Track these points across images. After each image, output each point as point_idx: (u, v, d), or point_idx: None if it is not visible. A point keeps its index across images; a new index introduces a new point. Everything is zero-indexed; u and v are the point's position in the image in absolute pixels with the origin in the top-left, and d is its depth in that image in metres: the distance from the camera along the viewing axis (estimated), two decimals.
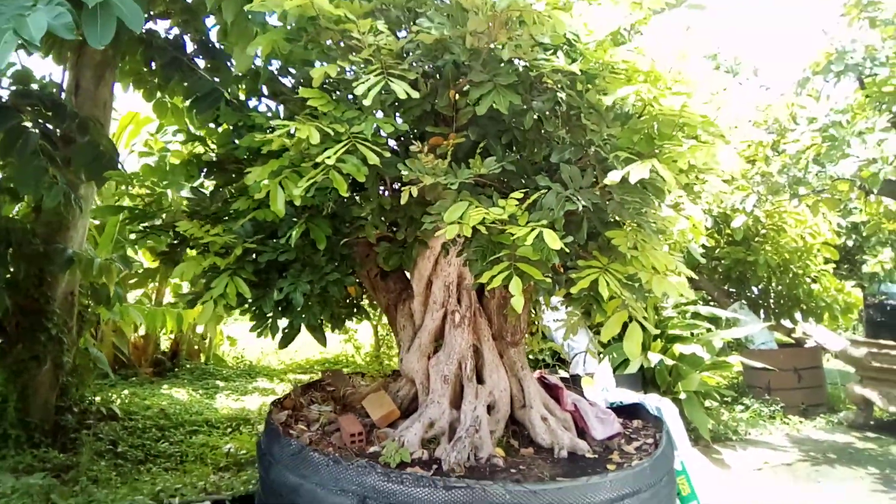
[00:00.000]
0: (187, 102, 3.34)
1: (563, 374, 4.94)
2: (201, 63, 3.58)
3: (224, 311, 2.43)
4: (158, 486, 3.36)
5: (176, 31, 3.66)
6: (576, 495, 2.04)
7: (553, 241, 1.69)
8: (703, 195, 5.79)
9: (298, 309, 2.42)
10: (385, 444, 2.40)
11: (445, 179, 1.92)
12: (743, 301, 6.35)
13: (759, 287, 6.65)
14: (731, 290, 6.57)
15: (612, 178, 1.71)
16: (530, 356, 5.13)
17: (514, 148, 2.16)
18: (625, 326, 2.00)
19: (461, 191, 1.99)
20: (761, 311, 6.80)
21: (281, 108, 2.97)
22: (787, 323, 6.88)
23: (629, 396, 3.19)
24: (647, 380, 4.63)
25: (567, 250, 1.79)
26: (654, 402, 3.13)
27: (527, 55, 1.90)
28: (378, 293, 2.96)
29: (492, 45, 1.91)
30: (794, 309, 6.53)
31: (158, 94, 4.01)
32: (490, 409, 2.68)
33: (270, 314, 2.53)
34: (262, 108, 3.22)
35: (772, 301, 6.66)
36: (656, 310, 5.17)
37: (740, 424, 4.89)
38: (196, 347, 7.52)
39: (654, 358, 4.40)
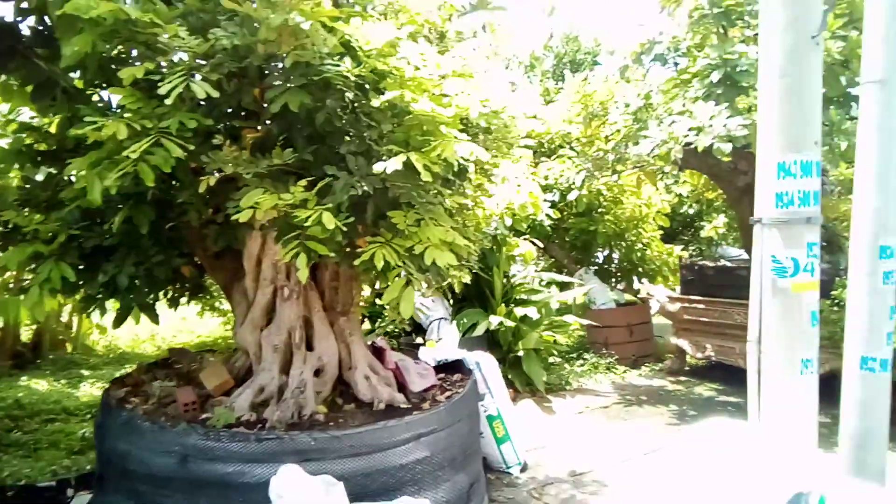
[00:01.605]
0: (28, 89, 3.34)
1: (419, 340, 5.37)
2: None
3: (51, 295, 2.56)
4: (5, 472, 3.42)
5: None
6: (374, 437, 2.41)
7: (329, 221, 2.01)
8: (552, 174, 6.33)
9: (125, 289, 2.60)
10: (215, 410, 2.65)
11: (245, 169, 2.18)
12: (589, 267, 7.05)
13: (604, 254, 7.41)
14: (578, 257, 7.25)
15: (377, 168, 2.05)
16: (391, 326, 5.51)
17: (314, 141, 2.44)
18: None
19: (264, 179, 2.26)
20: (609, 276, 7.59)
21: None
22: (638, 285, 7.75)
23: (454, 354, 3.61)
24: (492, 341, 5.14)
25: (344, 229, 2.12)
26: (475, 357, 3.56)
27: (314, 61, 2.18)
28: (214, 273, 3.18)
29: (283, 53, 2.17)
30: (632, 272, 7.34)
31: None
32: (319, 372, 2.99)
33: (99, 296, 2.69)
34: (98, 98, 3.29)
35: (614, 266, 7.45)
36: (507, 277, 5.71)
37: (575, 376, 5.53)
38: (61, 337, 7.29)
39: (495, 320, 4.90)
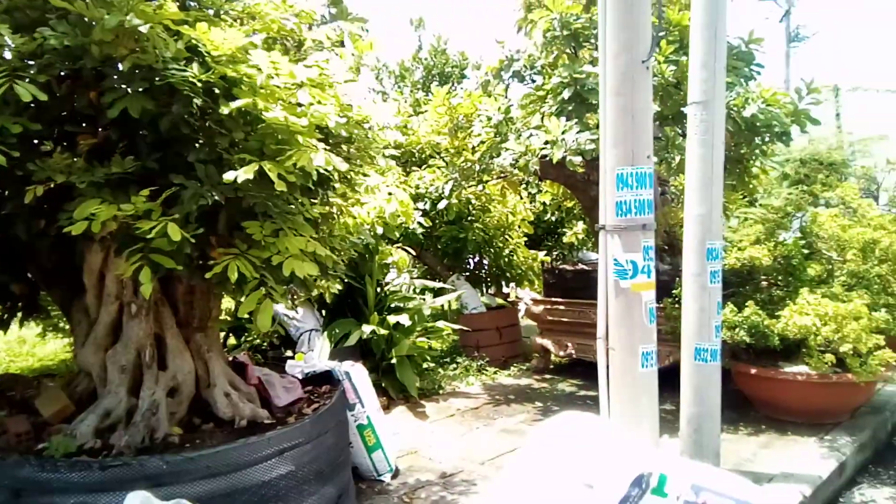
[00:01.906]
0: None
1: (289, 353, 5.24)
2: None
3: None
4: None
5: None
6: (234, 456, 2.32)
7: (175, 233, 1.92)
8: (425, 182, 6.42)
9: None
10: (53, 439, 2.43)
11: (79, 178, 2.03)
12: (460, 273, 7.25)
13: (474, 260, 7.66)
14: (450, 263, 7.42)
15: (228, 177, 2.00)
16: (258, 340, 5.33)
17: (159, 148, 2.33)
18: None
19: (102, 188, 2.11)
20: (480, 281, 7.84)
21: None
22: (507, 289, 8.08)
23: (323, 365, 3.56)
24: (366, 350, 5.13)
25: (193, 241, 2.03)
26: (344, 367, 3.54)
27: (157, 65, 2.07)
28: (51, 290, 2.91)
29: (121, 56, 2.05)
30: (501, 277, 7.65)
31: None
32: (174, 392, 2.83)
33: None
34: None
35: (484, 272, 7.72)
36: (380, 285, 5.73)
37: (448, 380, 5.66)
38: None
39: (368, 329, 4.90)
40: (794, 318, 4.15)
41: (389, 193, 5.05)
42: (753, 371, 4.53)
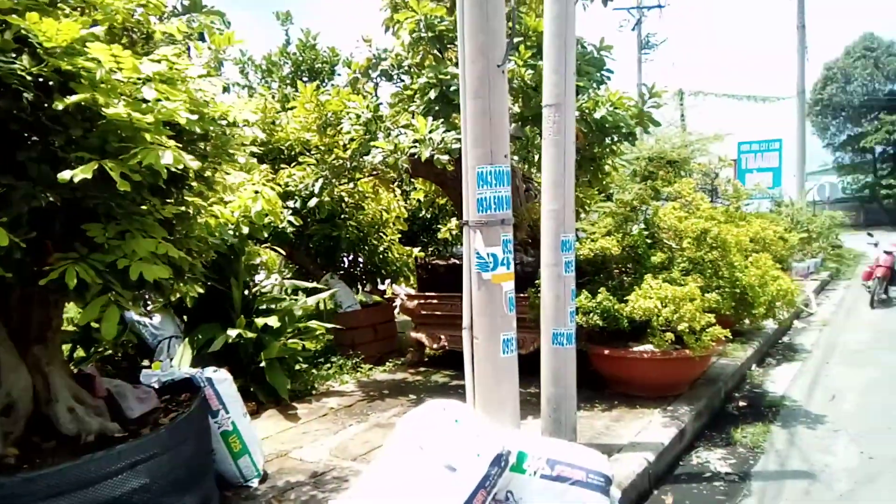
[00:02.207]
0: None
1: (146, 362, 4.94)
2: None
3: None
4: None
5: None
6: (78, 473, 2.18)
7: (2, 237, 1.77)
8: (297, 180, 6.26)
9: None
10: None
11: None
12: (333, 273, 7.18)
13: (349, 258, 7.63)
14: (324, 262, 7.34)
15: (63, 176, 1.87)
16: (110, 350, 4.98)
17: None
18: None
19: None
20: (355, 279, 7.82)
21: None
22: (382, 286, 8.11)
23: (183, 373, 3.41)
24: (233, 354, 4.95)
25: (23, 245, 1.88)
26: (206, 374, 3.41)
27: None
28: None
29: None
30: (376, 274, 7.69)
31: None
32: (9, 410, 2.59)
33: None
34: None
35: (359, 269, 7.71)
36: (248, 287, 5.55)
37: (321, 380, 5.61)
38: None
39: (234, 333, 4.74)
40: (640, 302, 4.56)
41: (256, 192, 4.91)
42: (606, 352, 4.93)
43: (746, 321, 5.55)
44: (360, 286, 7.78)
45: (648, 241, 5.09)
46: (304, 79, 8.54)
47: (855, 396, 5.33)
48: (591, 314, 4.79)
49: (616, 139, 5.43)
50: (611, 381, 5.12)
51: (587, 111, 4.96)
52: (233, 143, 3.01)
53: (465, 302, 3.39)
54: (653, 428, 4.23)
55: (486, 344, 3.30)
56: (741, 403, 5.29)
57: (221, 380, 3.45)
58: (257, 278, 5.87)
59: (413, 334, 6.25)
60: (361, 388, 5.48)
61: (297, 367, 5.50)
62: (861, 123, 39.57)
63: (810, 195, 20.74)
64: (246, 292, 5.51)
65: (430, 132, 4.44)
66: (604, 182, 6.54)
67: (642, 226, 5.13)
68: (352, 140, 5.27)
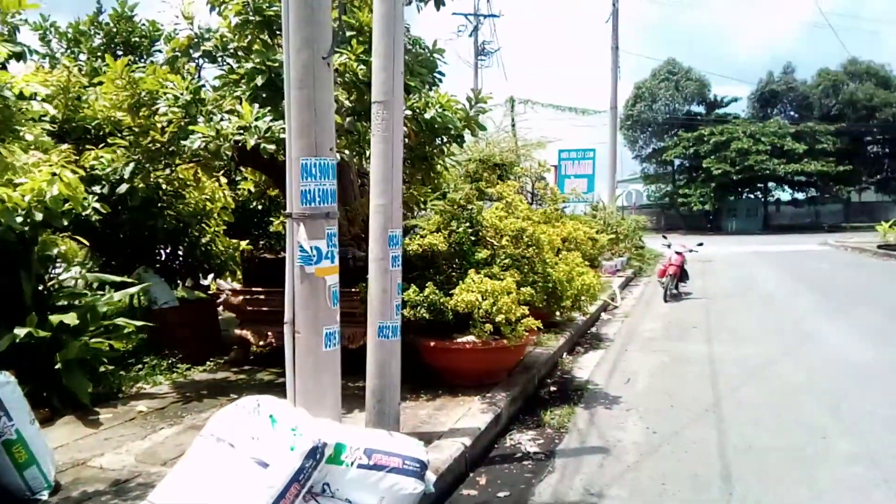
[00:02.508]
0: None
1: None
2: None
3: None
4: None
5: None
6: None
7: None
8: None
9: None
10: None
11: None
12: (147, 266, 6.63)
13: (167, 251, 7.09)
14: (137, 254, 6.75)
15: None
16: None
17: None
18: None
19: None
20: (175, 273, 7.28)
21: None
22: (206, 281, 7.64)
23: None
24: (23, 356, 4.39)
25: None
26: None
27: None
28: None
29: None
30: (198, 268, 7.24)
31: None
32: None
33: None
34: None
35: (178, 263, 7.20)
36: (42, 280, 4.95)
37: (130, 383, 5.17)
38: None
39: (23, 332, 4.20)
40: (463, 296, 4.79)
41: (53, 174, 4.39)
42: (433, 343, 5.11)
43: (558, 314, 6.08)
44: (179, 281, 7.27)
45: (472, 238, 5.37)
46: (119, 53, 7.76)
47: (645, 378, 6.06)
48: (419, 307, 4.94)
49: (446, 140, 5.65)
50: (437, 372, 5.31)
51: (418, 111, 5.10)
52: (19, 117, 2.68)
53: (287, 296, 3.33)
54: (472, 414, 4.47)
55: (309, 337, 3.27)
56: (552, 388, 5.76)
57: (3, 384, 3.05)
58: (55, 271, 5.26)
59: (237, 331, 5.99)
60: (177, 390, 5.15)
61: (102, 368, 5.01)
62: (664, 138, 44.92)
63: (620, 200, 23.15)
64: (40, 286, 4.91)
65: (257, 120, 4.29)
66: (436, 181, 6.76)
67: (467, 224, 5.39)
68: (170, 123, 4.92)
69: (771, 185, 43.18)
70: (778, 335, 7.88)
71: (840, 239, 26.98)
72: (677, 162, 43.85)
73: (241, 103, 4.56)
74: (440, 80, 5.88)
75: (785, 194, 45.35)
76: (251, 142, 4.24)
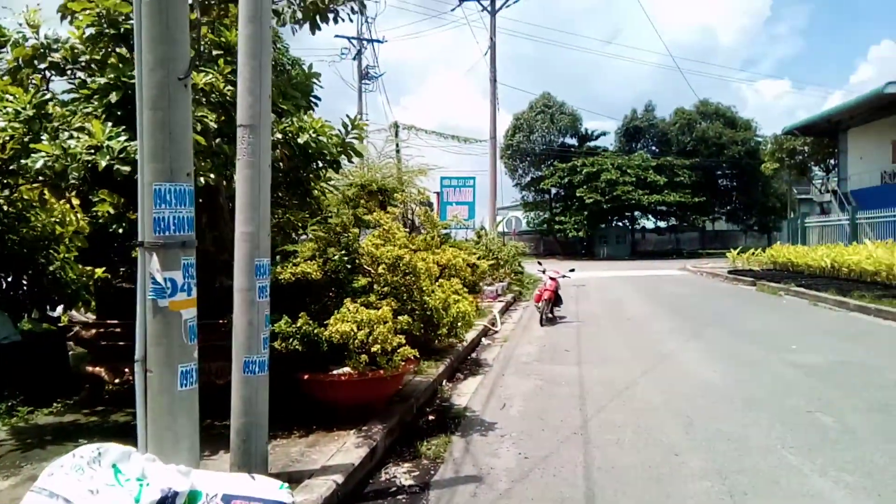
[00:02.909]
0: None
1: None
2: None
3: None
4: None
5: None
6: None
7: None
8: None
9: None
10: None
11: None
12: None
13: (7, 279, 6.36)
14: None
15: None
16: None
17: None
18: None
19: None
20: (18, 305, 6.53)
21: None
22: (65, 314, 6.90)
23: None
24: None
25: None
26: None
27: None
28: None
29: None
30: (45, 300, 6.55)
31: None
32: None
33: None
34: None
35: (22, 292, 6.48)
36: None
37: None
38: None
39: None
40: (338, 326, 4.68)
41: None
42: (307, 376, 4.93)
43: (437, 342, 6.10)
44: (25, 313, 6.53)
45: (349, 266, 5.28)
46: None
47: (520, 402, 6.21)
48: (291, 339, 4.76)
49: (321, 165, 5.54)
50: (313, 405, 5.13)
51: (290, 135, 4.97)
52: None
53: (138, 331, 3.07)
54: (346, 450, 4.34)
55: (162, 376, 3.03)
56: (430, 417, 5.74)
57: None
58: None
59: (89, 368, 5.45)
60: (16, 436, 4.58)
61: None
62: (541, 168, 47.24)
63: (501, 227, 23.95)
64: None
65: (109, 139, 3.97)
66: (313, 206, 6.61)
67: (343, 252, 5.30)
68: (11, 139, 4.44)
69: (637, 213, 46.64)
70: (640, 356, 8.40)
71: (697, 264, 29.55)
72: (553, 190, 46.24)
73: (93, 120, 4.21)
74: (316, 104, 5.79)
75: (649, 223, 49.20)
76: (102, 163, 3.91)
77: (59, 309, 6.88)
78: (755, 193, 45.91)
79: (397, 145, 19.61)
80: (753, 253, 25.53)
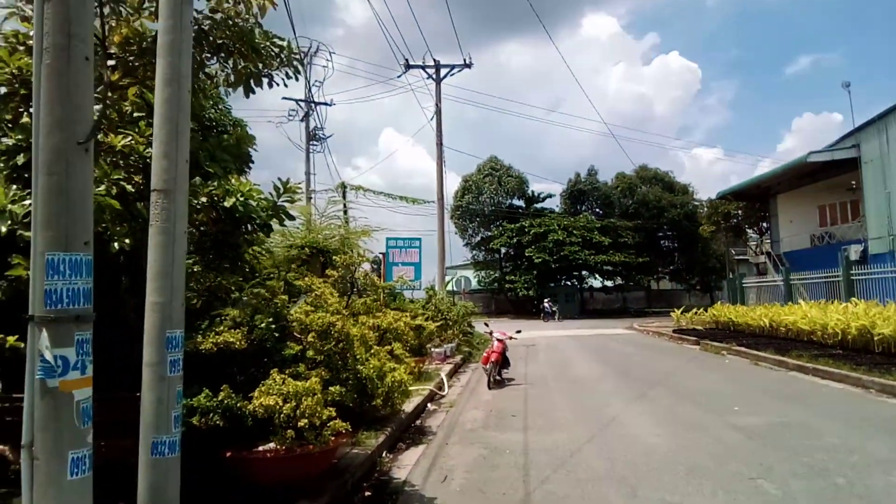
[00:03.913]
0: None
1: None
2: None
3: None
4: None
5: None
6: None
7: None
8: None
9: None
10: None
11: None
12: None
13: None
14: None
15: None
16: None
17: None
18: None
19: None
20: None
21: None
22: None
23: None
24: None
25: None
26: None
27: None
28: None
29: None
30: None
31: None
32: None
33: None
34: None
35: None
36: None
37: None
38: None
39: None
40: (262, 399, 4.40)
41: None
42: (229, 453, 4.59)
43: (379, 412, 5.83)
44: None
45: (276, 334, 5.03)
46: None
47: (462, 474, 5.95)
48: (212, 414, 4.44)
49: (251, 228, 5.36)
50: (238, 484, 4.75)
51: (217, 198, 4.80)
52: None
53: (25, 414, 2.77)
54: None
55: (50, 464, 2.72)
56: (367, 493, 5.42)
57: None
58: None
59: None
60: None
61: None
62: (491, 228, 47.91)
63: (451, 286, 23.89)
64: None
65: (13, 202, 3.72)
66: (246, 269, 6.37)
67: (271, 319, 5.06)
68: None
69: (585, 273, 47.52)
70: (586, 420, 8.27)
71: (643, 323, 30.06)
72: (503, 250, 46.83)
73: None
74: (249, 167, 5.66)
75: (597, 282, 50.13)
76: (2, 228, 3.65)
77: None
78: (695, 254, 47.60)
79: (345, 206, 19.56)
80: (696, 312, 26.15)
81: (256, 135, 5.59)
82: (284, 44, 5.76)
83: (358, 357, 5.18)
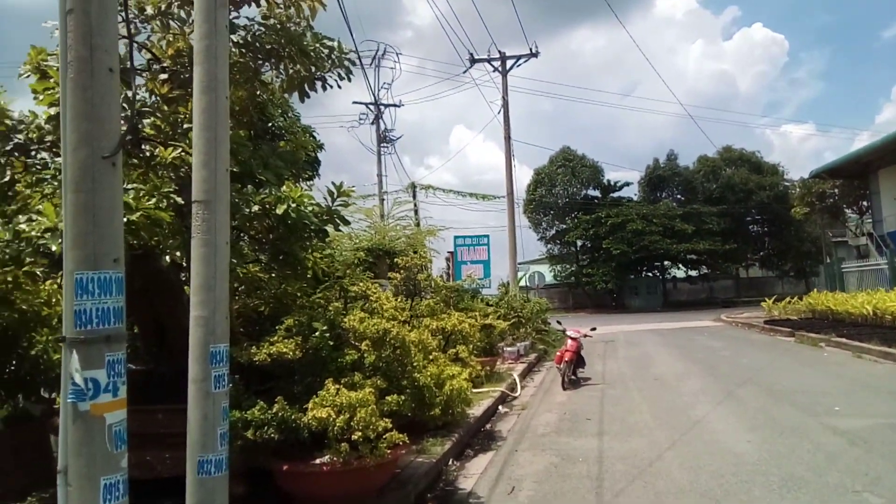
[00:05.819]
0: None
1: None
2: None
3: None
4: None
5: None
6: None
7: None
8: None
9: None
10: None
11: None
12: None
13: None
14: None
15: None
16: None
17: None
18: None
19: None
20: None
21: None
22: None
23: None
24: None
25: None
26: None
27: None
28: None
29: None
30: (31, 385, 6.30)
31: None
32: None
33: None
34: None
35: (7, 376, 6.24)
36: None
37: None
38: None
39: None
40: (315, 412, 4.27)
41: None
42: (286, 467, 4.50)
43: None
44: (11, 399, 6.28)
45: (331, 342, 4.90)
46: None
47: (531, 485, 5.64)
48: (266, 427, 4.36)
49: (307, 234, 5.27)
50: (297, 498, 4.68)
51: (269, 206, 4.73)
52: None
53: (60, 439, 2.73)
54: None
55: (83, 491, 2.64)
56: None
57: None
58: None
59: None
60: None
61: None
62: (566, 220, 46.82)
63: (523, 282, 23.44)
64: None
65: (63, 222, 3.73)
66: (308, 275, 6.32)
67: (325, 328, 4.94)
68: None
69: (667, 263, 45.59)
70: (667, 424, 7.74)
71: (731, 315, 28.44)
72: (580, 243, 45.65)
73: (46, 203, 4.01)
74: (311, 172, 5.58)
75: (680, 272, 47.98)
76: (53, 247, 3.68)
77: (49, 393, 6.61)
78: (788, 238, 44.62)
79: (415, 206, 19.52)
80: (790, 301, 24.45)
81: (331, 140, 5.52)
82: (334, 44, 5.65)
83: (416, 364, 4.98)
